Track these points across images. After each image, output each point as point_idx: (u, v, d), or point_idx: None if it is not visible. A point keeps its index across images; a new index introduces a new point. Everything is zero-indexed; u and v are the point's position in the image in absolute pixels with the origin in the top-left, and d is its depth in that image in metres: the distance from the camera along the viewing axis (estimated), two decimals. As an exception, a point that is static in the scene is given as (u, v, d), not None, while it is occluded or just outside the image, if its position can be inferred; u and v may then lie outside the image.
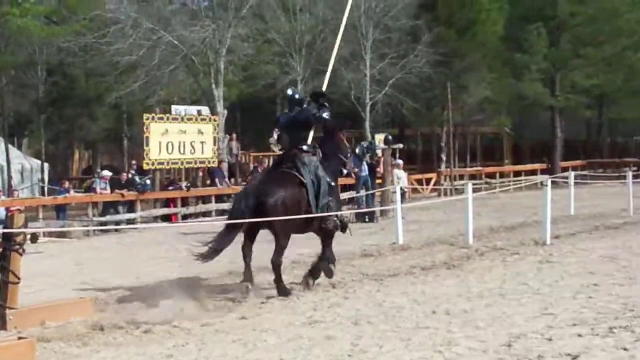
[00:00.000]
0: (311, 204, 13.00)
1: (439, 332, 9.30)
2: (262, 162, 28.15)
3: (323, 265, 13.51)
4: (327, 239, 13.68)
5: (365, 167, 27.67)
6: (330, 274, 13.62)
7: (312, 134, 14.02)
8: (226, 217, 15.33)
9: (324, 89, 15.38)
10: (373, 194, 28.09)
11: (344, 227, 13.89)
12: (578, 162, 52.24)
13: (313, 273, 13.45)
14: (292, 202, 12.77)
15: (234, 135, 35.94)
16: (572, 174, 30.23)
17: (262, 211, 12.41)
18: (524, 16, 49.79)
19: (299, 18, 42.65)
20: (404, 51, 42.08)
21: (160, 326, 10.33)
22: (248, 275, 12.58)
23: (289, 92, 14.53)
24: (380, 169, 28.73)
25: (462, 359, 8.09)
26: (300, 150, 13.38)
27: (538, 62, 48.86)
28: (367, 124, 42.44)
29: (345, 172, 16.08)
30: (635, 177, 30.84)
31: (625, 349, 8.13)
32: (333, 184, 13.76)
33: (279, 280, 12.64)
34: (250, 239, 12.74)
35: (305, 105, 14.14)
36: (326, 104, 14.29)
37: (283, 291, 12.57)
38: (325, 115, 13.99)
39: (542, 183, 18.80)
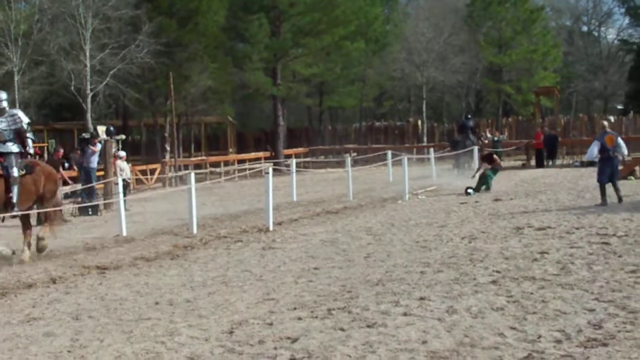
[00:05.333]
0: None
1: (161, 322, 9.22)
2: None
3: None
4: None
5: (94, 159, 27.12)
6: None
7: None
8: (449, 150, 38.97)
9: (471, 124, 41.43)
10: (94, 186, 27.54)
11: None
12: (300, 149, 53.51)
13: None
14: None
15: None
16: (294, 161, 30.95)
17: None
18: (245, 6, 50.53)
19: (14, 6, 41.18)
20: (124, 41, 41.64)
21: None
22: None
23: (469, 115, 45.67)
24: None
25: (183, 348, 8.03)
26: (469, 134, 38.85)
27: (259, 51, 49.68)
28: (89, 115, 41.65)
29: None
30: (354, 162, 31.97)
31: (342, 329, 8.35)
32: (477, 147, 37.03)
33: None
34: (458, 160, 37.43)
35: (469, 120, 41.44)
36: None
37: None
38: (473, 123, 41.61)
39: (264, 171, 19.01)
